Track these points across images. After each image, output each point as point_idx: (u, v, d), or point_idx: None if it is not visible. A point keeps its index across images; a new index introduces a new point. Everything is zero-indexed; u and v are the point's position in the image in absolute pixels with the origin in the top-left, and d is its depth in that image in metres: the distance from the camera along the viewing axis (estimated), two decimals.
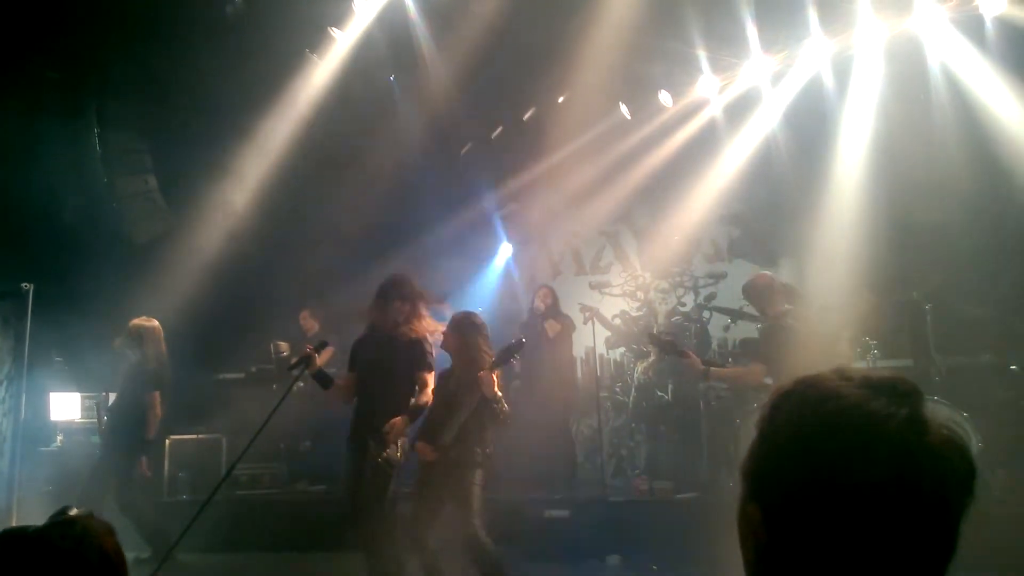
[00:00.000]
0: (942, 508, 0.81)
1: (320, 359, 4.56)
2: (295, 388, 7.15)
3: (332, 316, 7.71)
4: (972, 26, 6.17)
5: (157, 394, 5.83)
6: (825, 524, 0.81)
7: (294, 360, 4.39)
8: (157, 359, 5.96)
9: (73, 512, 1.35)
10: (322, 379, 4.45)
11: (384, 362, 4.41)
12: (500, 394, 4.23)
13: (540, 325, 6.71)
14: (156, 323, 6.08)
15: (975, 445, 5.19)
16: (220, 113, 7.09)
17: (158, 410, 5.77)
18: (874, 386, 0.85)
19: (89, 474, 5.84)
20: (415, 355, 4.37)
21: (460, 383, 4.34)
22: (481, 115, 7.96)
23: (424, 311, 4.47)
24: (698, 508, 5.75)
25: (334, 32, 6.69)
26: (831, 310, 5.75)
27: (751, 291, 5.25)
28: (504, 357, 4.28)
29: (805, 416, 0.86)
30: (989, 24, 6.09)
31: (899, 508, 0.80)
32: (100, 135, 6.96)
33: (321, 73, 6.87)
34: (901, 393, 0.85)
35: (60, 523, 1.32)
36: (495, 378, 4.18)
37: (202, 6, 6.36)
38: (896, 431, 0.82)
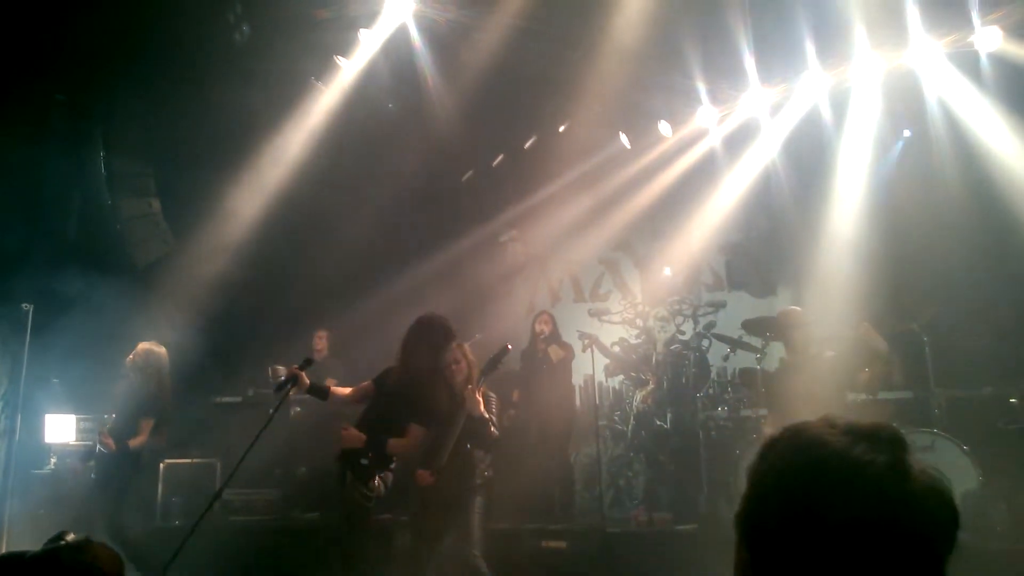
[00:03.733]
0: (923, 553, 0.82)
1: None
2: (292, 414, 7.22)
3: (339, 340, 7.69)
4: (968, 62, 6.26)
5: (150, 422, 5.74)
6: (807, 568, 0.82)
7: (281, 380, 4.39)
8: (158, 385, 5.89)
9: (70, 537, 1.34)
10: (317, 393, 4.49)
11: (392, 401, 4.42)
12: (487, 415, 4.22)
13: (543, 351, 6.69)
14: (163, 350, 6.02)
15: (976, 479, 5.15)
16: (225, 138, 7.16)
17: (146, 437, 5.68)
18: (857, 433, 0.87)
19: (84, 496, 5.78)
20: (418, 405, 4.35)
21: (458, 403, 4.33)
22: (483, 143, 8.04)
23: (460, 358, 4.46)
24: (697, 539, 5.67)
25: (340, 60, 6.79)
26: (833, 340, 5.76)
27: None
28: (491, 366, 4.30)
29: (789, 462, 0.88)
30: (984, 60, 6.18)
31: (879, 552, 0.80)
32: (105, 158, 7.01)
33: (326, 100, 6.96)
34: (882, 440, 0.86)
35: (72, 546, 1.32)
36: (479, 396, 4.18)
37: (210, 33, 6.46)
38: (875, 476, 0.83)
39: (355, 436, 4.24)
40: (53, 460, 6.99)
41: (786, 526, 0.84)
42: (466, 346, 4.58)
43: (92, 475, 5.93)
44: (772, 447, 0.92)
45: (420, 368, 4.36)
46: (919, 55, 6.37)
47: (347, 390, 4.65)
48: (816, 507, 0.82)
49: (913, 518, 0.82)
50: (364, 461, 4.26)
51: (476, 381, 4.28)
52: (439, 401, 4.35)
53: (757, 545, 0.88)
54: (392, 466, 4.39)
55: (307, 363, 4.45)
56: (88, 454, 6.21)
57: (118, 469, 5.67)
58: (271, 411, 4.26)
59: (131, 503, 5.81)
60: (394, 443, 4.29)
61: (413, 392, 4.33)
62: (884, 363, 4.65)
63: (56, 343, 6.74)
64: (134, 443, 5.60)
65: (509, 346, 4.46)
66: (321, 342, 7.63)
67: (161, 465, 6.83)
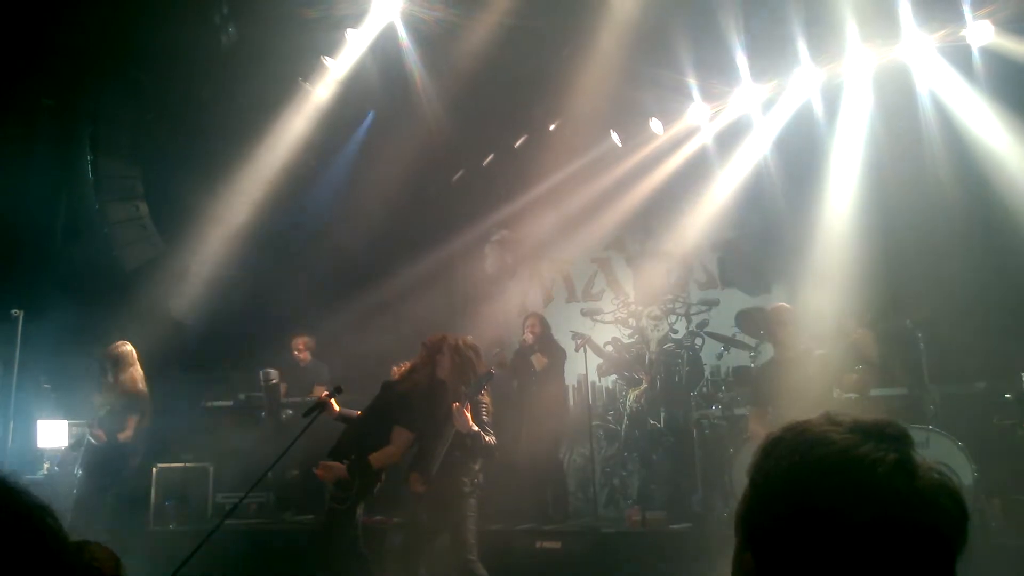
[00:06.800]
0: (934, 552, 0.80)
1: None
2: (284, 417, 7.20)
3: (322, 344, 7.66)
4: (959, 56, 6.23)
5: (134, 419, 5.83)
6: (817, 571, 0.80)
7: (311, 406, 4.47)
8: (132, 383, 5.94)
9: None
10: (346, 421, 4.63)
11: (375, 404, 4.56)
12: (476, 428, 4.24)
13: (529, 357, 6.69)
14: (130, 346, 6.09)
15: (971, 474, 5.13)
16: (213, 140, 7.12)
17: (132, 431, 5.77)
18: (863, 431, 0.85)
19: (73, 503, 5.80)
20: (399, 408, 4.42)
21: (447, 413, 4.34)
22: (473, 143, 8.00)
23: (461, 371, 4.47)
24: (692, 539, 5.66)
25: (327, 61, 6.75)
26: (824, 338, 5.73)
27: None
28: (475, 389, 4.32)
29: (795, 462, 0.85)
30: (976, 54, 6.15)
31: (890, 553, 0.78)
32: (92, 162, 6.97)
33: (314, 101, 6.92)
34: (890, 437, 0.84)
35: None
36: (467, 413, 4.20)
37: (197, 34, 6.41)
38: (884, 476, 0.81)
39: (335, 470, 4.27)
40: (46, 465, 6.98)
41: (793, 528, 0.82)
42: (458, 341, 4.53)
43: (77, 469, 5.99)
44: (775, 445, 0.89)
45: (419, 380, 4.46)
46: (911, 50, 6.34)
47: None
48: (825, 508, 0.80)
49: (925, 517, 0.80)
50: (344, 462, 4.34)
51: (463, 396, 4.29)
52: (433, 407, 4.37)
53: (762, 547, 0.85)
54: (382, 476, 4.43)
55: (337, 391, 4.50)
56: (77, 444, 6.26)
57: (107, 464, 5.73)
58: (297, 435, 4.19)
59: (113, 502, 5.84)
60: (376, 456, 4.32)
61: (408, 400, 4.42)
62: (874, 369, 4.69)
63: (47, 348, 6.72)
64: (123, 436, 5.68)
65: (493, 370, 4.55)
66: (302, 350, 7.57)
67: (154, 469, 6.82)
